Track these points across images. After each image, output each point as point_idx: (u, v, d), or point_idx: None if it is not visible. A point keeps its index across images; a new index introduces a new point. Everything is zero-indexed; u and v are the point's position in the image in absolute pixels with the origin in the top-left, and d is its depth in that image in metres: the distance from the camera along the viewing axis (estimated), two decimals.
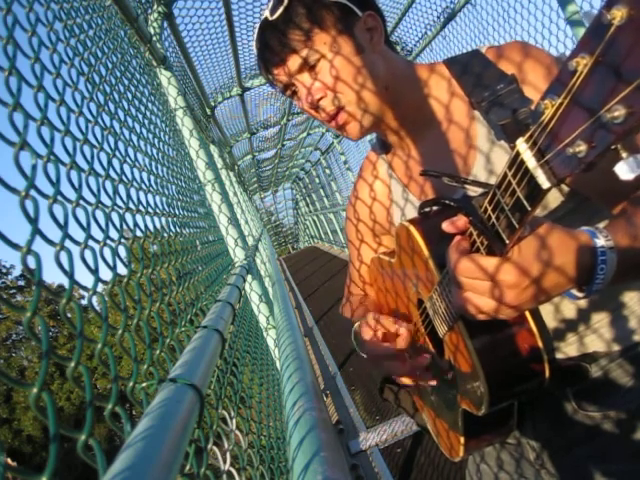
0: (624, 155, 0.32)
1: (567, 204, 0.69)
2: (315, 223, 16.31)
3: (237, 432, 0.93)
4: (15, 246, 0.46)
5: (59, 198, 0.56)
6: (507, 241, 0.46)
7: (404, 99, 0.77)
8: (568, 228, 0.51)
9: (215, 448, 0.76)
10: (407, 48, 3.70)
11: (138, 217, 0.83)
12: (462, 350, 0.62)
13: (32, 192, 0.50)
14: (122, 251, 0.70)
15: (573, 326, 0.73)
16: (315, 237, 17.40)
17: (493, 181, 0.46)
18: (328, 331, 5.51)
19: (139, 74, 1.33)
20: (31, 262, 0.46)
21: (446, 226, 0.54)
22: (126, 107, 1.00)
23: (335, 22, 0.73)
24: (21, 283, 20.75)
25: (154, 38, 1.68)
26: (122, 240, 0.71)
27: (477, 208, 0.50)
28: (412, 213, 0.83)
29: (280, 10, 0.72)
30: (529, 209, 0.41)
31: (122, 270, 0.68)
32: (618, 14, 0.28)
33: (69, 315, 0.53)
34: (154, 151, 1.14)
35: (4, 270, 20.62)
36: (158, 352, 0.69)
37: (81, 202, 0.62)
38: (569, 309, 0.73)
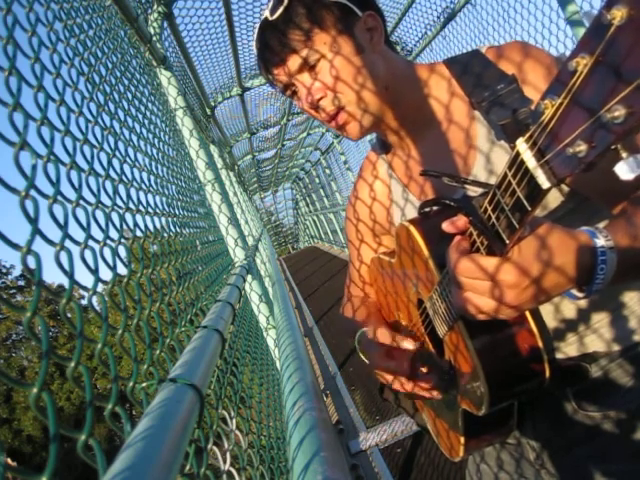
0: (624, 155, 0.32)
1: (567, 204, 0.69)
2: (315, 223, 16.30)
3: (237, 432, 0.93)
4: (15, 246, 0.46)
5: (59, 198, 0.56)
6: (507, 241, 0.46)
7: (404, 99, 0.77)
8: (568, 228, 0.51)
9: (215, 448, 0.76)
10: (407, 48, 3.70)
11: (138, 217, 0.83)
12: (462, 350, 0.62)
13: (32, 192, 0.50)
14: (122, 251, 0.71)
15: (573, 326, 0.73)
16: (315, 237, 17.39)
17: (493, 181, 0.46)
18: (328, 331, 5.51)
19: (139, 74, 1.33)
20: (31, 262, 0.46)
21: (446, 226, 0.54)
22: (126, 107, 1.00)
23: (335, 22, 0.73)
24: (21, 283, 20.76)
25: (154, 38, 1.68)
26: (122, 240, 0.71)
27: (477, 208, 0.50)
28: (412, 213, 0.83)
29: (280, 10, 0.72)
30: (529, 209, 0.41)
31: (122, 270, 0.68)
32: (618, 14, 0.28)
33: (69, 315, 0.53)
34: (154, 151, 1.14)
35: (4, 270, 20.66)
36: (158, 352, 0.69)
37: (81, 202, 0.62)
38: (569, 309, 0.73)
